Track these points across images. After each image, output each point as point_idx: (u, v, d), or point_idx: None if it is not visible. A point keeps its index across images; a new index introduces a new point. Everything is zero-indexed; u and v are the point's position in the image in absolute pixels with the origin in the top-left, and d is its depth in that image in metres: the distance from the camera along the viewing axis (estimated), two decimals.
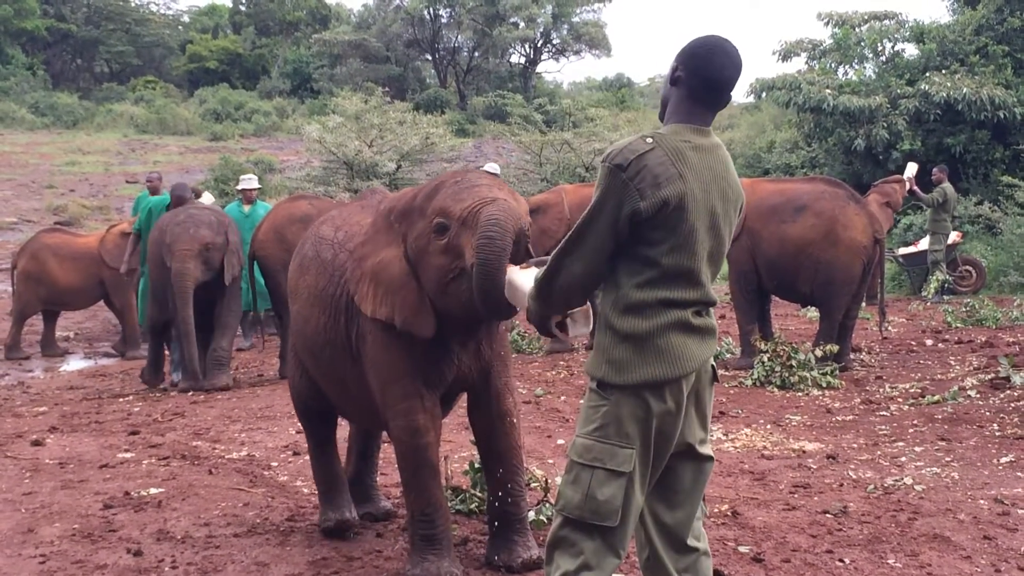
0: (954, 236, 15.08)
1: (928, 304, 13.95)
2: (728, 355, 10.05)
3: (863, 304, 9.90)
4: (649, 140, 2.90)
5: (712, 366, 3.07)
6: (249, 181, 12.47)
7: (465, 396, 4.45)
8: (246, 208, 11.85)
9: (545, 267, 3.05)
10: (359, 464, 5.17)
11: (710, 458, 3.12)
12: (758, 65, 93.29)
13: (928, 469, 5.82)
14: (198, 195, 12.20)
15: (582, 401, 3.06)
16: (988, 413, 7.21)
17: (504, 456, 4.28)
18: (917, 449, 6.36)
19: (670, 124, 3.02)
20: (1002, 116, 18.36)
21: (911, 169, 14.56)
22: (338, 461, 5.08)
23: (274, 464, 6.37)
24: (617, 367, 2.92)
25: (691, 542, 3.09)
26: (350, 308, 4.32)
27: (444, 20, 47.31)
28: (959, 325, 11.49)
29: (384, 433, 5.29)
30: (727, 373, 9.31)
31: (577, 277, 2.98)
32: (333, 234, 4.64)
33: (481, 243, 3.67)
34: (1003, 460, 5.98)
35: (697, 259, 2.93)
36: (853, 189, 10.15)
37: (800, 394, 8.31)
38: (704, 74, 2.99)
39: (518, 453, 4.34)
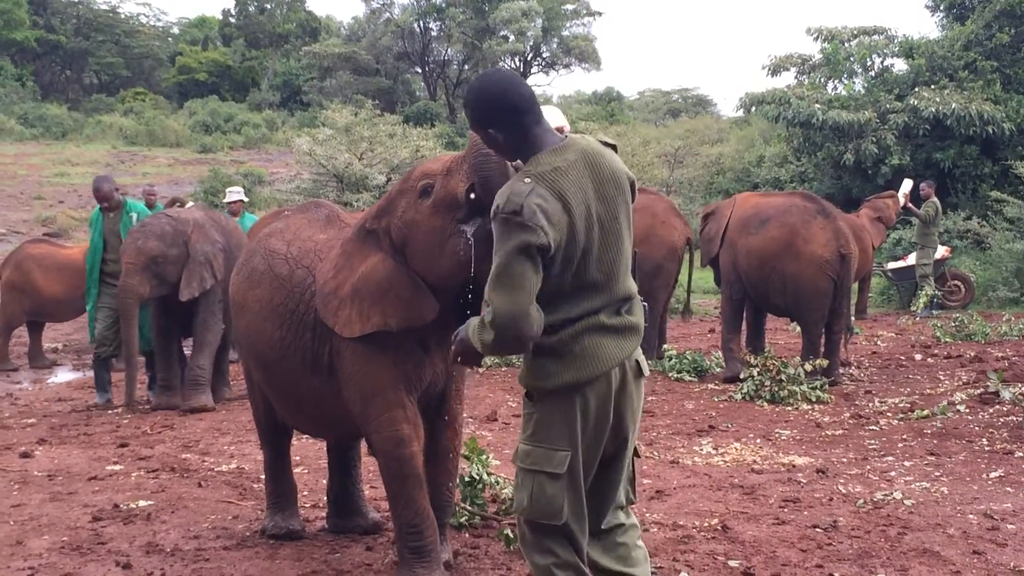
0: (943, 251, 15.15)
1: (917, 319, 14.00)
2: (719, 368, 10.07)
3: (852, 318, 9.91)
4: (527, 180, 2.97)
5: (637, 360, 3.18)
6: (234, 193, 12.44)
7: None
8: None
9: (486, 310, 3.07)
10: (342, 479, 5.13)
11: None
12: (748, 79, 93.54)
13: (918, 484, 5.83)
14: (182, 205, 12.18)
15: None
16: (977, 428, 7.23)
17: (442, 458, 4.37)
18: (907, 464, 6.38)
19: (532, 158, 3.08)
20: (991, 131, 18.47)
21: (906, 186, 14.62)
22: (291, 473, 5.24)
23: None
24: (541, 375, 3.09)
25: (605, 525, 3.26)
26: (319, 325, 4.30)
27: (434, 33, 47.39)
28: (948, 340, 11.52)
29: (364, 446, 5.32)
30: (717, 387, 9.33)
31: (508, 316, 2.98)
32: (286, 249, 4.61)
33: (472, 144, 3.63)
34: (992, 475, 6.00)
35: (598, 272, 3.06)
36: (834, 204, 10.21)
37: (790, 408, 8.32)
38: (508, 109, 3.09)
39: (456, 459, 4.45)
